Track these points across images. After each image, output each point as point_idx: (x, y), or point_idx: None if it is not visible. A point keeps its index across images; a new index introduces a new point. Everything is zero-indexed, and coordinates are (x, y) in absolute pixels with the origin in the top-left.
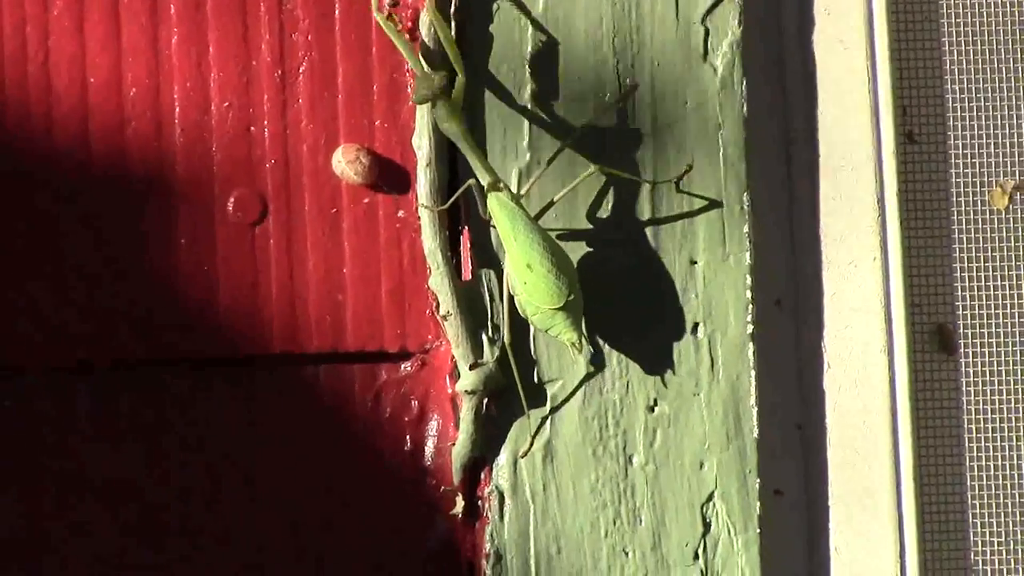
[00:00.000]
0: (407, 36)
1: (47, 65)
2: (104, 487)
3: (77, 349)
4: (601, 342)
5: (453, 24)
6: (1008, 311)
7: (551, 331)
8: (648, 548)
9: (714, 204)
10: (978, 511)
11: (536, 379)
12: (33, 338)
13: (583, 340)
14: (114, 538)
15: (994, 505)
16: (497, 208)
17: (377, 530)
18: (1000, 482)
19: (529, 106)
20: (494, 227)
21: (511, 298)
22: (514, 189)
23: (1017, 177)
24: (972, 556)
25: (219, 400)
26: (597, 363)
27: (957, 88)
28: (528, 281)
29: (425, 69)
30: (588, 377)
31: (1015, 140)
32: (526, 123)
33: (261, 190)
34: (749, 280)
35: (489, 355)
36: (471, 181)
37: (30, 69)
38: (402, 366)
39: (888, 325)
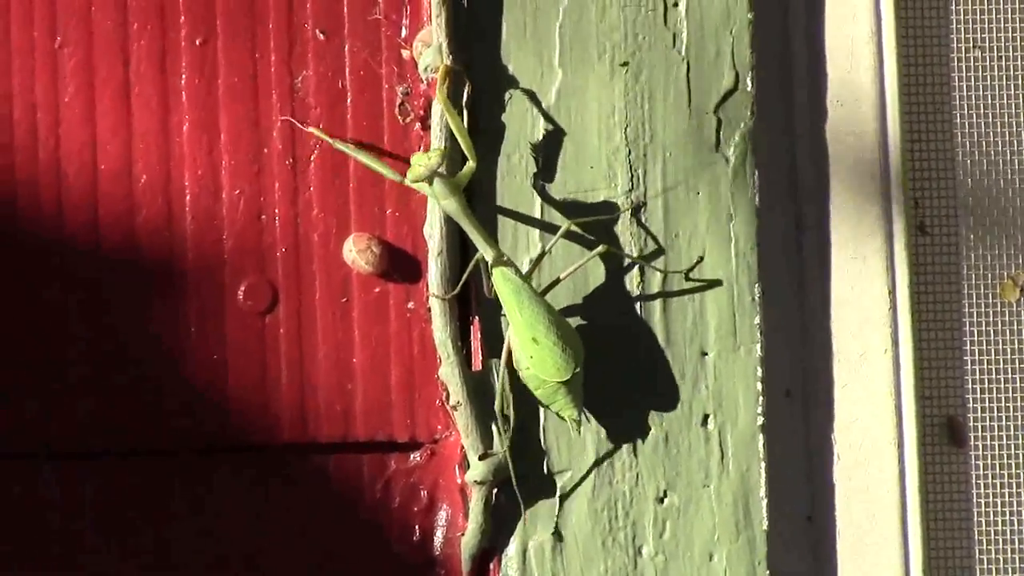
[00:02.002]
0: (418, 124)
1: (58, 151)
2: (111, 574)
3: (86, 436)
4: (611, 432)
5: (465, 113)
6: (1019, 404)
7: (553, 406)
8: None
9: (725, 295)
10: None
11: (546, 470)
12: (42, 425)
13: (583, 416)
14: None
15: None
16: (502, 282)
17: None
18: None
19: (540, 196)
20: (497, 297)
21: (513, 374)
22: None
23: None
24: None
25: (228, 488)
26: (607, 454)
27: (969, 180)
28: (535, 355)
29: (391, 174)
30: (598, 468)
31: None
32: (537, 212)
33: (272, 278)
34: (760, 372)
35: (499, 445)
36: (478, 256)
37: (41, 155)
38: (411, 456)
39: (898, 417)
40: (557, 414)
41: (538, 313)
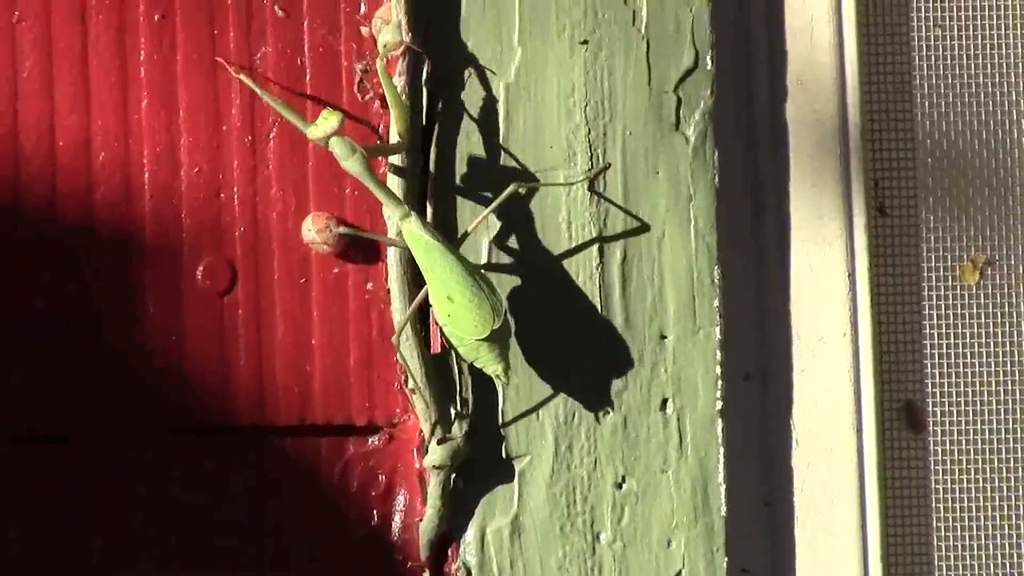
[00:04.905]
0: (378, 102)
1: (16, 126)
2: (69, 556)
3: (41, 419)
4: (569, 417)
5: (425, 92)
6: (978, 389)
7: (477, 362)
8: None
9: (684, 277)
10: None
11: (504, 454)
12: None
13: (509, 372)
14: None
15: None
16: (412, 241)
17: None
18: (968, 562)
19: (500, 176)
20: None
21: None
22: (483, 260)
23: (988, 252)
24: None
25: (184, 472)
26: (565, 438)
27: (929, 161)
28: (452, 313)
29: (303, 123)
30: (556, 452)
31: (986, 215)
32: (497, 191)
33: (230, 258)
34: (719, 355)
35: (457, 430)
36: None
37: None
38: (370, 439)
39: (857, 401)
40: (482, 370)
41: (451, 269)
